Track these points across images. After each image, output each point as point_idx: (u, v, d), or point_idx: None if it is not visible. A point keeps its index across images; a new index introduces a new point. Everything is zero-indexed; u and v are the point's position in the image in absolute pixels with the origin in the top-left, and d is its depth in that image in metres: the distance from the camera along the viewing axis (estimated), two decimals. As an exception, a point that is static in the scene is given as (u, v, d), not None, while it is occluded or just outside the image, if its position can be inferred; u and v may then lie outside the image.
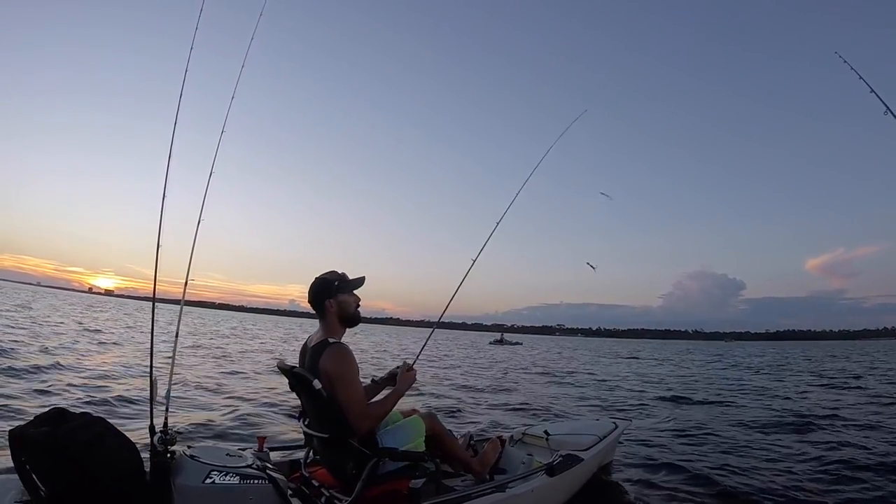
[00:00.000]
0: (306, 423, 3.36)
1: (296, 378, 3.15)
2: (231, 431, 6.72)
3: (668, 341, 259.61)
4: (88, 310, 46.69)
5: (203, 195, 3.77)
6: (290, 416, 7.69)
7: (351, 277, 3.37)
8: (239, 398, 9.15)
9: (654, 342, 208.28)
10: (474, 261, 5.03)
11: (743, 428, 8.44)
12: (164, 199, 3.49)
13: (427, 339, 5.66)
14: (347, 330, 3.37)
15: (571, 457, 4.38)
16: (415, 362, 3.84)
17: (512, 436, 5.21)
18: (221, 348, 20.43)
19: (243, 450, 3.36)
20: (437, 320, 5.30)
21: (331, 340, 3.15)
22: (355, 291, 3.38)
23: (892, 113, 3.43)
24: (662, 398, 12.38)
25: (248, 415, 7.70)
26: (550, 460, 4.20)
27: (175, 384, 8.85)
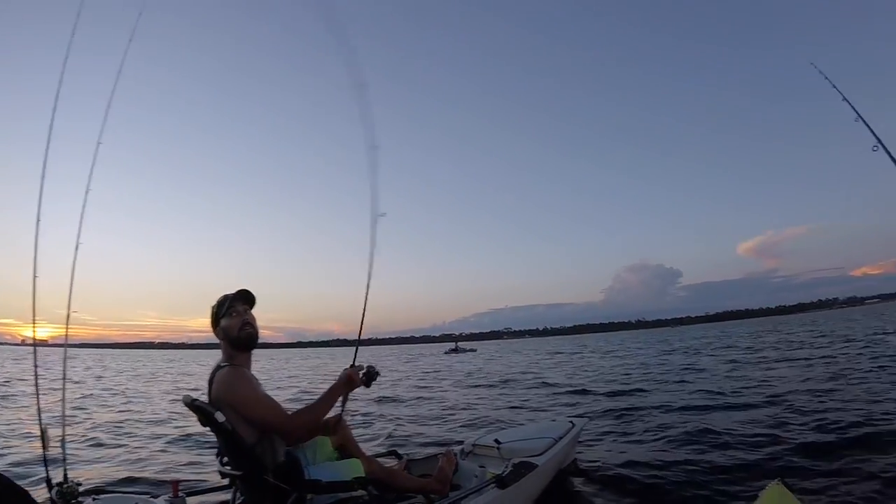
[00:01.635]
0: (223, 460, 3.11)
1: (198, 412, 2.87)
2: (142, 476, 6.10)
3: (612, 333, 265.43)
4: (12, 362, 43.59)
5: (80, 216, 3.59)
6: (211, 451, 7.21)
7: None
8: (152, 439, 8.59)
9: (600, 335, 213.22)
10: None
11: (696, 411, 8.70)
12: (38, 224, 3.38)
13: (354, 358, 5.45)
14: (251, 353, 3.14)
15: (524, 464, 4.23)
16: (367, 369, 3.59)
17: (462, 448, 5.05)
18: (136, 389, 19.17)
19: (155, 497, 3.26)
20: (358, 337, 4.04)
21: (222, 364, 2.97)
22: (253, 311, 3.14)
23: (863, 120, 3.88)
24: (617, 391, 12.55)
25: (161, 456, 7.23)
26: (501, 471, 4.03)
27: (74, 434, 8.49)
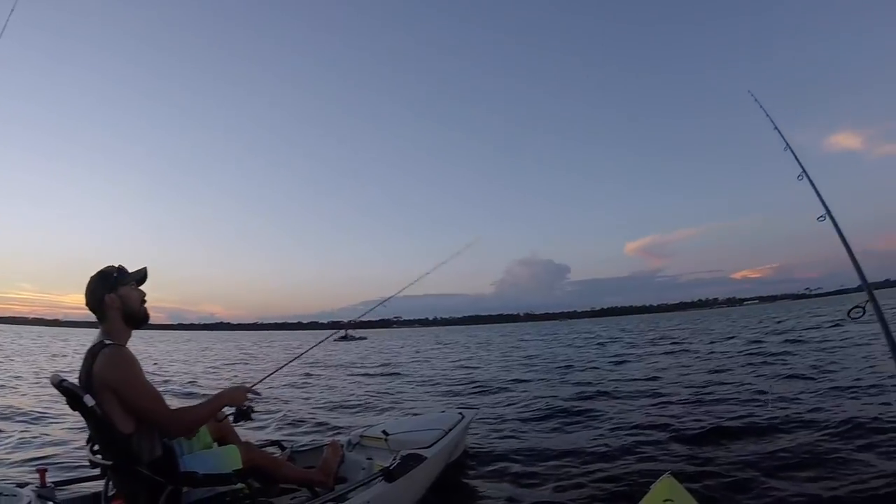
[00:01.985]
0: (94, 448, 2.88)
1: (66, 394, 2.62)
2: (4, 464, 5.63)
3: (502, 325, 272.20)
4: None
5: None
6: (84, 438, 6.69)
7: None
8: (19, 422, 7.89)
9: (490, 327, 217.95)
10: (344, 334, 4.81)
11: (585, 402, 9.01)
12: None
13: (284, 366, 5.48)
14: (133, 332, 2.90)
15: (413, 456, 4.15)
16: (255, 384, 3.49)
17: (349, 439, 4.89)
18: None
19: (21, 486, 3.06)
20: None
21: (107, 342, 2.68)
22: (142, 287, 2.95)
23: (791, 150, 4.02)
24: (507, 382, 12.72)
25: (28, 442, 6.65)
26: (389, 463, 3.95)
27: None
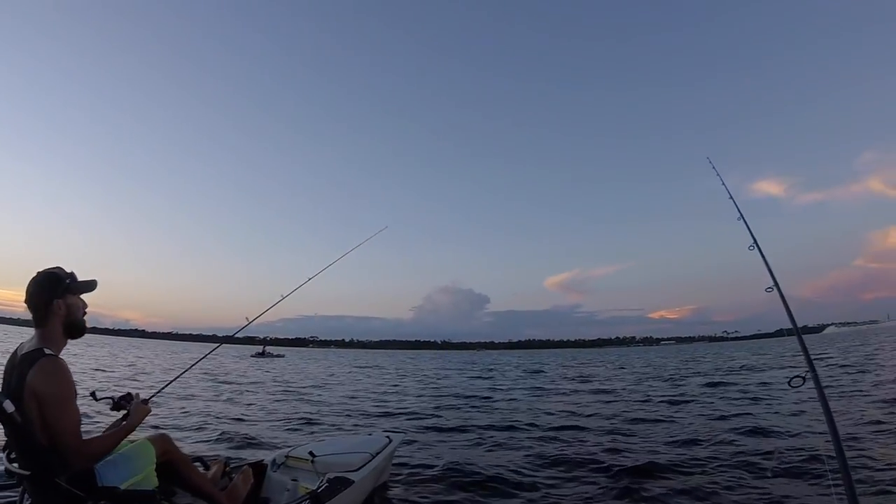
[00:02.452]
0: (11, 456, 2.78)
1: None
2: None
3: (419, 351, 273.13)
4: None
5: None
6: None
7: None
8: None
9: (406, 352, 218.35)
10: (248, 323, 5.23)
11: (506, 431, 9.21)
12: None
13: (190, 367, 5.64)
14: (68, 342, 2.88)
15: (340, 479, 4.18)
16: (153, 395, 3.56)
17: (274, 459, 4.80)
18: None
19: None
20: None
21: (46, 351, 2.64)
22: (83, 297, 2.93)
23: (744, 221, 4.18)
24: (428, 407, 13.07)
25: None
26: (316, 486, 3.98)
27: None
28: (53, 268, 2.84)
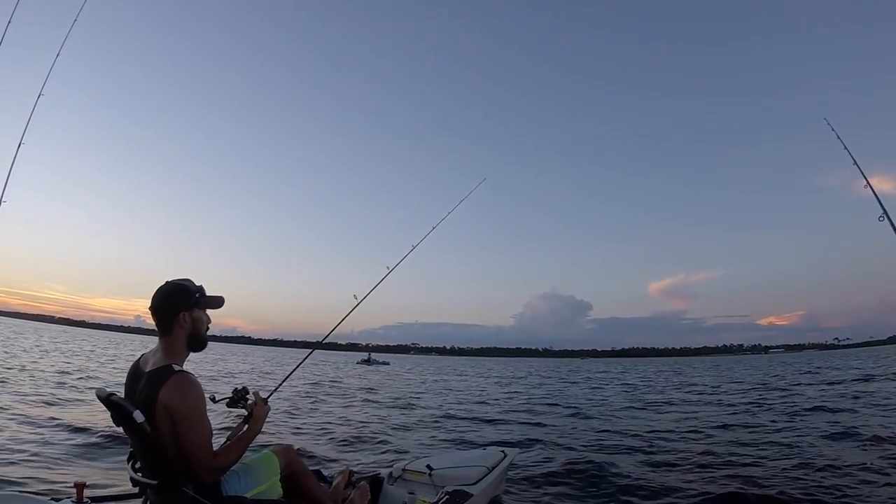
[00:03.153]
0: (136, 466, 2.82)
1: (114, 408, 2.56)
2: (39, 476, 5.36)
3: (520, 359, 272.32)
4: None
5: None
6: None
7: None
8: (58, 430, 7.73)
9: (507, 360, 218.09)
10: (358, 303, 5.13)
11: (623, 449, 8.53)
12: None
13: (299, 364, 5.60)
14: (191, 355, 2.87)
15: (459, 493, 4.14)
16: (272, 394, 3.51)
17: (391, 472, 4.79)
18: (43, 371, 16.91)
19: (57, 500, 3.01)
20: (319, 340, 5.47)
21: (175, 367, 2.63)
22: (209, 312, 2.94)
23: (871, 188, 3.86)
24: (540, 421, 12.40)
25: (67, 453, 6.44)
26: (436, 499, 3.99)
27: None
28: (183, 279, 2.85)
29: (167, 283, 2.80)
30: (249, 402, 3.09)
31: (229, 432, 3.19)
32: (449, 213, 6.64)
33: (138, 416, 2.41)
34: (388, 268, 5.57)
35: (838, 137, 4.52)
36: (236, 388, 3.17)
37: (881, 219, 3.69)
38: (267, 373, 25.41)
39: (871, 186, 3.89)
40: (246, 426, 3.00)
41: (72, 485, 3.11)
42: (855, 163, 4.20)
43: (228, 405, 3.14)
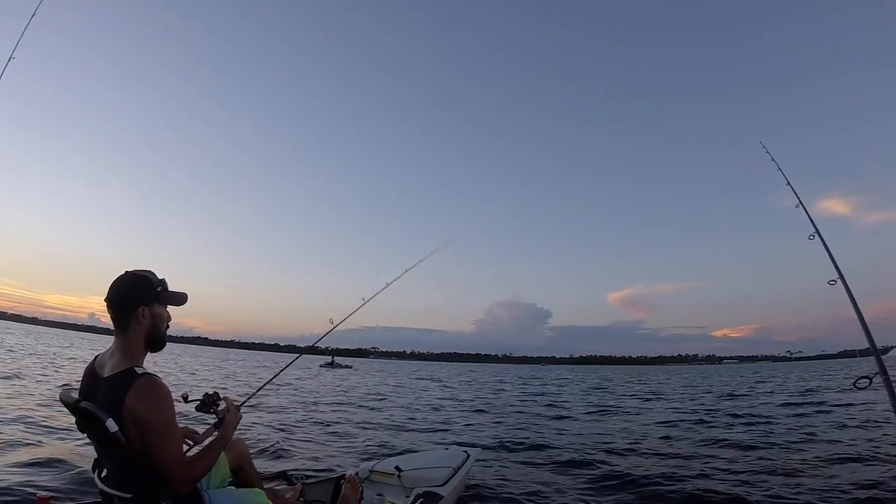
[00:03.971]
0: (102, 475, 2.54)
1: (82, 415, 2.33)
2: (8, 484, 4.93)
3: (479, 364, 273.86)
4: None
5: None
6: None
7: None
8: (13, 440, 6.92)
9: (467, 364, 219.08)
10: (335, 326, 5.10)
11: (582, 451, 8.74)
12: None
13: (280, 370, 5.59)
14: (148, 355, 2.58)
15: (430, 494, 4.15)
16: (245, 401, 3.40)
17: (357, 473, 4.68)
18: None
19: None
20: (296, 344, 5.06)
21: (139, 370, 2.36)
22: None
23: (803, 207, 4.06)
24: (494, 422, 12.99)
25: (26, 463, 5.80)
26: (408, 501, 3.99)
27: None
28: (144, 271, 2.58)
29: (126, 273, 2.54)
30: (221, 408, 2.90)
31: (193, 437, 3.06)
32: (419, 261, 6.78)
33: (112, 424, 2.20)
34: (363, 299, 5.63)
35: (773, 159, 4.73)
36: (207, 393, 2.97)
37: (811, 237, 3.88)
38: (229, 375, 25.06)
39: (803, 205, 4.10)
40: (216, 432, 2.78)
41: (36, 499, 2.94)
42: (788, 183, 4.42)
43: (198, 409, 2.93)
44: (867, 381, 2.89)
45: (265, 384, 4.92)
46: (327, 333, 5.22)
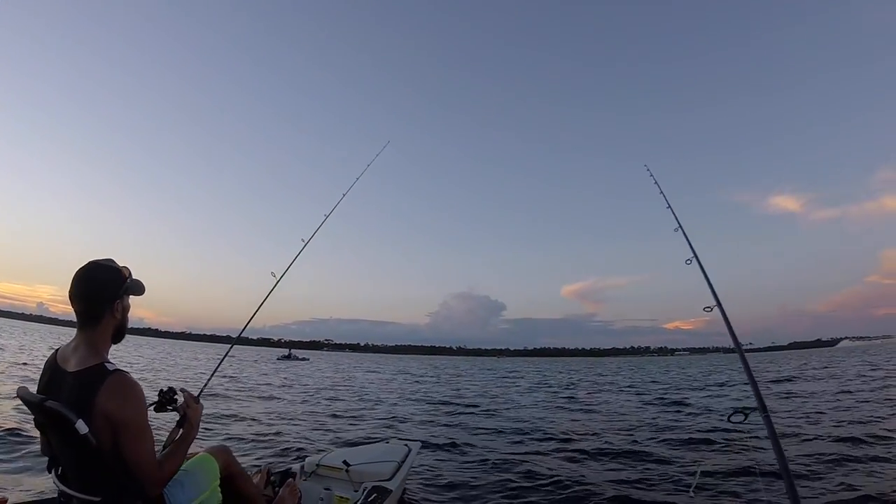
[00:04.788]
0: (59, 472, 2.39)
1: (47, 415, 2.18)
2: None
3: (434, 357, 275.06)
4: None
5: None
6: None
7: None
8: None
9: (423, 357, 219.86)
10: (277, 281, 4.79)
11: (526, 442, 8.97)
12: None
13: (221, 360, 5.25)
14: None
15: (379, 489, 4.10)
16: (201, 392, 3.29)
17: (303, 466, 4.62)
18: None
19: None
20: (236, 335, 5.03)
21: (109, 367, 2.23)
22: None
23: (683, 231, 4.01)
24: (438, 414, 13.02)
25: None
26: (362, 496, 3.93)
27: None
28: (109, 261, 2.44)
29: (96, 264, 2.38)
30: (179, 403, 2.74)
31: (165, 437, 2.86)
32: (357, 178, 6.41)
33: (82, 426, 2.05)
34: (303, 240, 5.21)
35: (656, 183, 4.74)
36: (162, 390, 2.80)
37: (688, 262, 3.82)
38: (185, 367, 24.68)
39: (682, 229, 4.07)
40: (181, 430, 2.66)
41: None
42: (669, 207, 4.41)
43: (157, 410, 2.74)
44: (742, 415, 2.58)
45: (212, 374, 4.60)
46: (272, 290, 4.84)
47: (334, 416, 12.20)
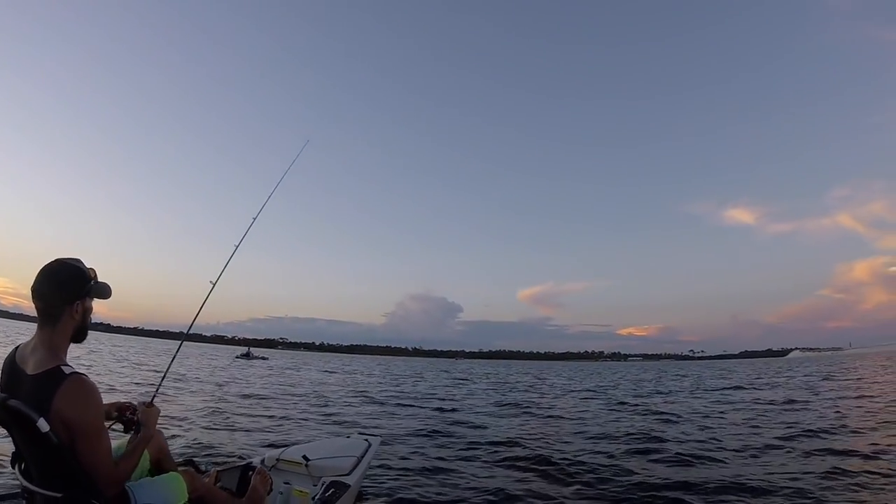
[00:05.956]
0: (22, 467, 2.49)
1: (10, 414, 2.23)
2: None
3: (389, 357, 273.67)
4: None
5: None
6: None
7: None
8: None
9: (378, 357, 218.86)
10: (213, 284, 4.30)
11: (477, 437, 9.58)
12: None
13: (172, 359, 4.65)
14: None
15: (338, 483, 4.17)
16: (154, 395, 3.30)
17: (263, 461, 4.61)
18: None
19: None
20: (185, 331, 4.62)
21: (66, 370, 2.29)
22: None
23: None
24: (401, 412, 13.71)
25: None
26: (321, 491, 4.03)
27: None
28: (75, 261, 2.49)
29: (60, 263, 2.44)
30: (138, 415, 2.91)
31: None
32: (282, 178, 5.84)
33: (43, 424, 2.14)
34: (235, 245, 4.79)
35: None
36: (122, 417, 2.98)
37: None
38: (138, 364, 24.59)
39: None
40: (139, 434, 2.81)
41: None
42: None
43: (125, 431, 2.95)
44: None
45: (164, 375, 4.33)
46: (208, 296, 4.40)
47: (289, 412, 12.48)
